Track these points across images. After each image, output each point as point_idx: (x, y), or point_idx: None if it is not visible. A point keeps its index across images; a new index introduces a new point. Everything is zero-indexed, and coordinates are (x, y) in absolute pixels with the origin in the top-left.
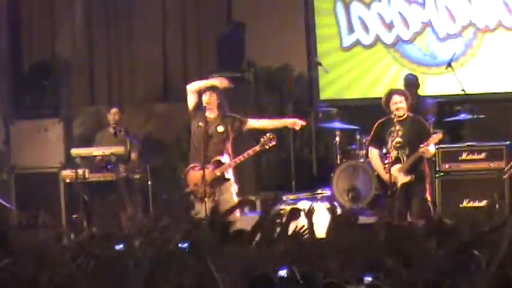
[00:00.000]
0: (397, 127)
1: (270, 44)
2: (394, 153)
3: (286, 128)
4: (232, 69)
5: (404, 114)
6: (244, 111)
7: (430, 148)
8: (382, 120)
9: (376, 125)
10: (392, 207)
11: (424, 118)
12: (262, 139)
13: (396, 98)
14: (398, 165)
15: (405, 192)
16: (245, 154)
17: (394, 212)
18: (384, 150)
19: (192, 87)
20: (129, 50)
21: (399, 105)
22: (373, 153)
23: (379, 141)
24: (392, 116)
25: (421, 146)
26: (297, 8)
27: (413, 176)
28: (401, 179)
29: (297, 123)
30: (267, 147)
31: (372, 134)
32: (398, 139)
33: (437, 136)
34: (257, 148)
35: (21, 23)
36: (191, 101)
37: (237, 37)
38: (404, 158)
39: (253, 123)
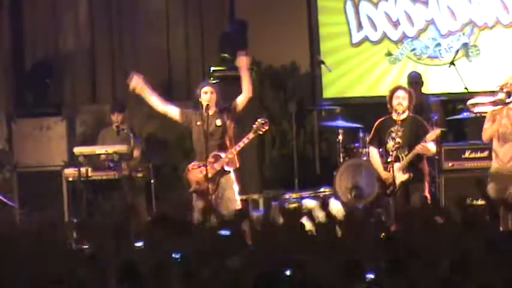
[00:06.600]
0: (397, 127)
1: (273, 42)
2: (394, 153)
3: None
4: (236, 68)
5: (404, 112)
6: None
7: (428, 145)
8: (382, 119)
9: (376, 123)
10: (391, 205)
11: (427, 117)
12: (254, 125)
13: (400, 93)
14: (397, 164)
15: (404, 190)
16: (240, 143)
17: (393, 210)
18: (383, 150)
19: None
20: (131, 49)
21: (401, 101)
22: (373, 152)
23: (379, 140)
24: (394, 115)
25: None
26: (300, 6)
27: (411, 175)
28: (400, 177)
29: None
30: (261, 132)
31: (372, 132)
32: (398, 140)
33: (435, 132)
34: (251, 135)
35: (24, 21)
36: (175, 114)
37: (240, 35)
38: (404, 157)
39: (239, 99)
